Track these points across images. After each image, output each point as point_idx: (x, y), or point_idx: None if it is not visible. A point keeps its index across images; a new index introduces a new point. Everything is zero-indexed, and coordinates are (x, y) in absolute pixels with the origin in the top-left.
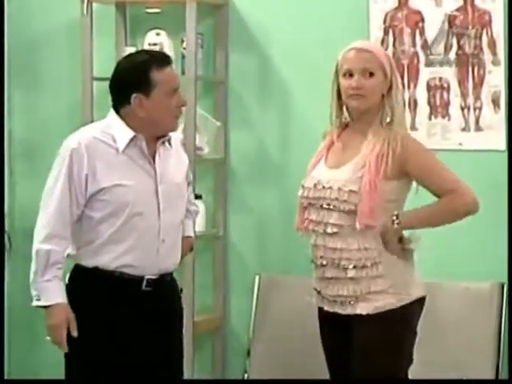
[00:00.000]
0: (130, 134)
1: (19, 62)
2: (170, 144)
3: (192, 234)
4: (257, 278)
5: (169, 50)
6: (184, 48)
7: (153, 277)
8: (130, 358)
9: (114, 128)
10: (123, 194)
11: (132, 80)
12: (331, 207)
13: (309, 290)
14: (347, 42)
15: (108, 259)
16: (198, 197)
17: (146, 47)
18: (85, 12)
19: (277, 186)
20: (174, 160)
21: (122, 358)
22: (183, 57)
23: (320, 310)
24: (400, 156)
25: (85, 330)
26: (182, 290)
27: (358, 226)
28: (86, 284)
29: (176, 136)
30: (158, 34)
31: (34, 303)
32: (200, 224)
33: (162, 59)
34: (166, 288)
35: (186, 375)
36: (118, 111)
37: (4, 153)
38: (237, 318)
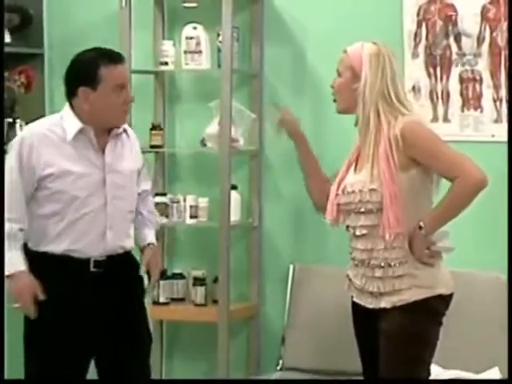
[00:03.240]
0: (79, 125)
1: (61, 56)
2: (127, 135)
3: (154, 241)
4: (291, 267)
5: (205, 43)
6: (220, 41)
7: (99, 259)
8: (89, 334)
9: (65, 120)
10: (70, 182)
11: (80, 74)
12: (358, 210)
13: (343, 279)
14: (381, 34)
15: (56, 245)
16: (233, 187)
17: (183, 41)
18: (123, 5)
19: None
20: (129, 152)
21: (80, 334)
22: (219, 50)
23: (352, 297)
24: (403, 144)
25: (43, 311)
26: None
27: (387, 237)
28: (40, 268)
29: (131, 130)
30: (194, 28)
31: None
32: (235, 214)
33: (110, 56)
34: (116, 266)
35: (222, 362)
36: (70, 104)
37: (4, 152)
38: (271, 306)
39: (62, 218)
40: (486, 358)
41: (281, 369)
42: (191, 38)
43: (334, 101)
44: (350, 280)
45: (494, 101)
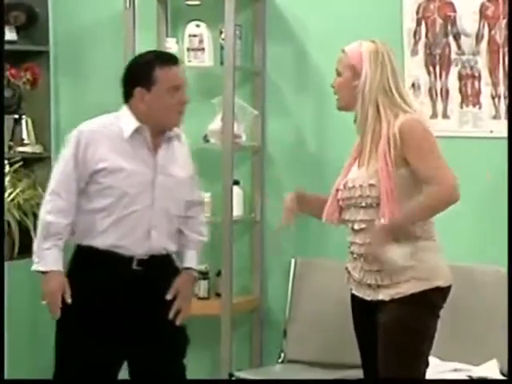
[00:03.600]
0: (136, 123)
1: (66, 53)
2: (180, 142)
3: (193, 266)
4: (293, 261)
5: (208, 41)
6: (223, 39)
7: (143, 257)
8: (123, 331)
9: (121, 119)
10: (122, 178)
11: (136, 75)
12: (358, 204)
13: (344, 273)
14: (381, 32)
15: (101, 240)
16: (236, 183)
17: (186, 38)
18: (127, 5)
19: (312, 172)
20: (182, 157)
21: (114, 330)
22: (222, 48)
23: (351, 289)
24: (400, 142)
25: (81, 304)
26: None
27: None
28: (84, 262)
29: (184, 136)
30: (197, 26)
31: (33, 267)
32: (238, 209)
33: (165, 58)
34: (158, 268)
35: (225, 355)
36: (128, 104)
37: (3, 149)
38: (274, 299)
39: (109, 213)
40: (485, 350)
41: (282, 361)
42: (194, 36)
43: (337, 99)
44: (349, 273)
45: (493, 97)
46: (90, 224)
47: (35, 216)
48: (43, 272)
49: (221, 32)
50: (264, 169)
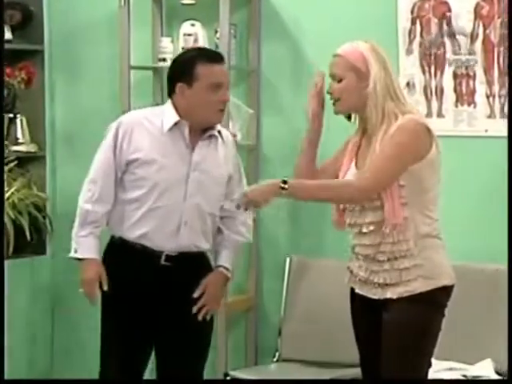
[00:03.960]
0: (176, 118)
1: (60, 52)
2: (223, 140)
3: (226, 264)
4: (288, 259)
5: (203, 40)
6: (218, 38)
7: (172, 253)
8: (149, 323)
9: (165, 113)
10: (154, 170)
11: (178, 71)
12: (363, 207)
13: (339, 272)
14: (376, 31)
15: (131, 232)
16: None
17: (181, 38)
18: (122, 3)
19: None
20: (222, 156)
21: (141, 321)
22: (217, 47)
23: (352, 290)
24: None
25: (115, 294)
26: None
27: (386, 230)
28: (115, 253)
29: (229, 137)
30: (192, 25)
31: (71, 254)
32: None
33: (209, 56)
34: (186, 265)
35: (221, 354)
36: (171, 99)
37: (4, 150)
38: (269, 298)
39: (141, 204)
40: (479, 349)
41: (277, 360)
42: (189, 35)
43: (334, 104)
44: (352, 272)
45: (487, 96)
46: (122, 215)
47: (30, 215)
48: (80, 259)
49: (216, 31)
50: (259, 167)
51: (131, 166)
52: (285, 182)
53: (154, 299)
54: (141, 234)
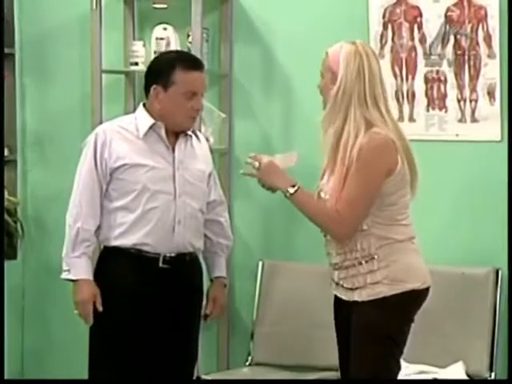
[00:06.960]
0: (151, 121)
1: (31, 55)
2: (198, 139)
3: (223, 274)
4: (260, 263)
5: (175, 44)
6: (190, 42)
7: (170, 255)
8: (151, 329)
9: (138, 119)
10: (141, 174)
11: (155, 73)
12: None
13: (311, 275)
14: (348, 35)
15: (126, 238)
16: None
17: (154, 41)
18: (94, 6)
19: None
20: (201, 154)
21: (143, 329)
22: (189, 51)
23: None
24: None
25: (110, 305)
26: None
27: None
28: (110, 263)
29: (203, 137)
30: (164, 29)
31: (64, 275)
32: None
33: (189, 62)
34: (184, 266)
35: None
36: (144, 103)
37: (4, 150)
38: (241, 302)
39: (131, 210)
40: (451, 352)
41: (250, 364)
42: (161, 39)
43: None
44: (332, 279)
45: (458, 101)
46: (113, 224)
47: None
48: (73, 280)
49: (188, 35)
50: (232, 171)
51: (117, 173)
52: (293, 186)
53: (154, 304)
54: (137, 239)
